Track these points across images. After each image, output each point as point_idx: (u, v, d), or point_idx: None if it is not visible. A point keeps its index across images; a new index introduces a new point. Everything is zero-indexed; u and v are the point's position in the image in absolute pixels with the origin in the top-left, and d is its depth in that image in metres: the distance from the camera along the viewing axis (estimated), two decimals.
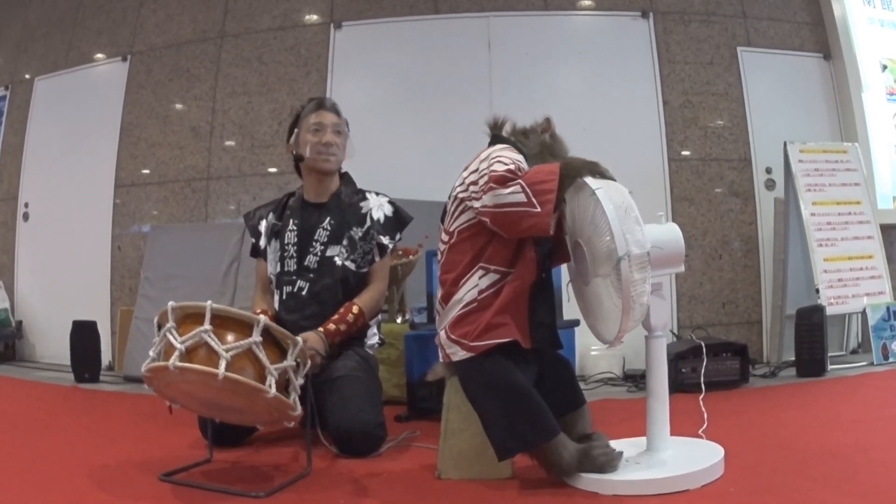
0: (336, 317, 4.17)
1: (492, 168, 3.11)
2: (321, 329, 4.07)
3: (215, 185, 7.96)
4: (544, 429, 3.05)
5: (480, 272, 3.24)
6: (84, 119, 8.67)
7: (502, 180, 3.03)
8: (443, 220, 3.45)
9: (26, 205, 8.92)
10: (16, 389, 6.62)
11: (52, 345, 8.31)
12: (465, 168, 3.37)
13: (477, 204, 3.15)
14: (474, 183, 3.20)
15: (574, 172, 3.12)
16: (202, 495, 3.15)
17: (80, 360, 6.88)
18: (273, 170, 7.78)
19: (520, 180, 3.02)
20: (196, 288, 6.59)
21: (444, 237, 3.40)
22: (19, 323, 8.79)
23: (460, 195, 3.30)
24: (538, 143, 3.50)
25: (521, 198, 3.00)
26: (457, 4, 7.78)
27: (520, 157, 3.26)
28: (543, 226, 3.02)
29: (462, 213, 3.30)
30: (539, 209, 2.99)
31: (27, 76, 9.24)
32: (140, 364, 3.19)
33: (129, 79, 8.50)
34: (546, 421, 3.07)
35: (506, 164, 3.11)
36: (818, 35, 7.98)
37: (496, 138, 3.53)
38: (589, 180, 3.08)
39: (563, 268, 3.58)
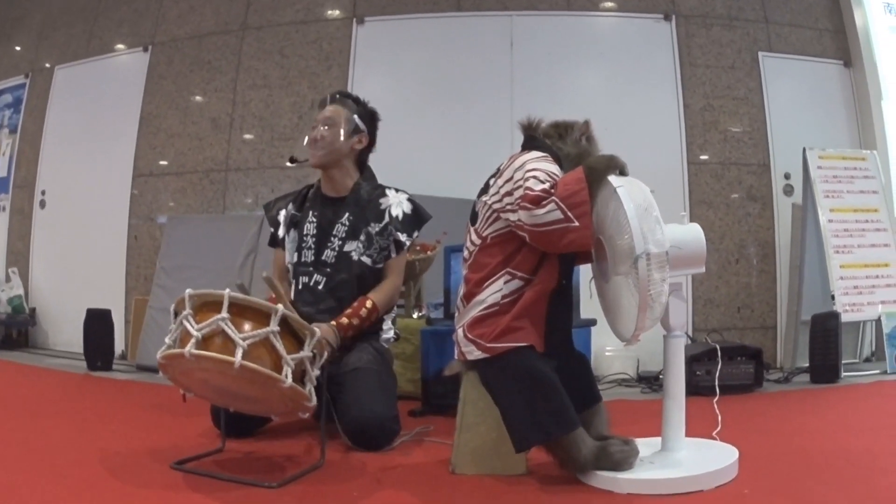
0: (349, 310, 4.15)
1: (527, 186, 3.08)
2: (334, 322, 4.06)
3: (234, 177, 7.97)
4: (565, 420, 3.06)
5: (506, 277, 3.24)
6: (103, 108, 8.71)
7: (537, 200, 3.01)
8: (473, 221, 3.45)
9: (43, 192, 8.96)
10: (28, 376, 6.65)
11: (66, 332, 8.35)
12: (498, 173, 3.36)
13: (513, 217, 3.15)
14: (509, 194, 3.18)
15: (599, 176, 3.11)
16: (214, 484, 3.15)
17: (94, 349, 6.90)
18: None
19: (554, 197, 3.01)
20: (211, 279, 6.54)
21: (476, 240, 3.39)
22: (33, 310, 8.82)
23: (494, 206, 3.28)
24: (575, 145, 3.49)
25: (558, 215, 2.99)
26: (480, 2, 7.77)
27: (555, 169, 3.24)
28: (585, 240, 3.04)
29: (495, 221, 3.30)
30: (577, 223, 2.99)
31: (47, 65, 9.28)
32: (153, 354, 3.20)
33: (149, 69, 8.53)
34: (567, 413, 3.07)
35: (541, 181, 3.09)
36: (839, 42, 7.97)
37: (530, 139, 3.52)
38: (611, 178, 3.08)
39: (584, 266, 3.57)
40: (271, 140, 7.91)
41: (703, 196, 7.41)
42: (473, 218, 3.44)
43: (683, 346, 3.32)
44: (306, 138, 4.40)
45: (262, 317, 3.11)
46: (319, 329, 3.52)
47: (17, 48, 9.76)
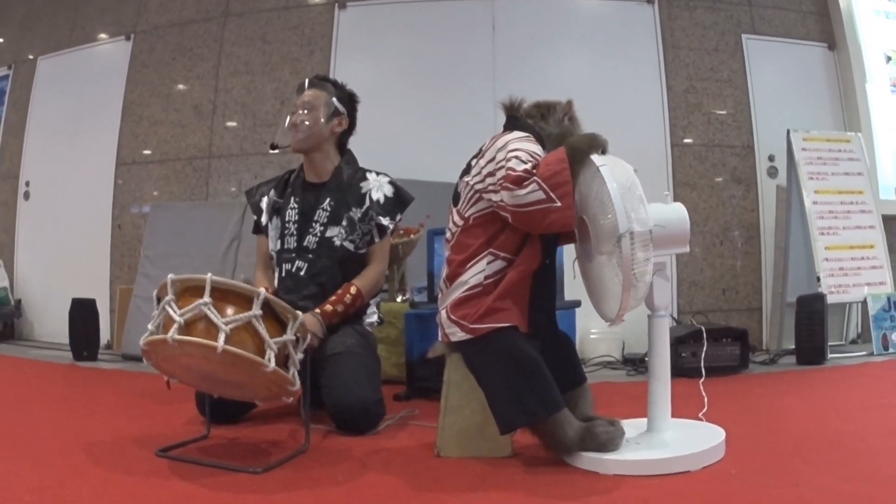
0: (334, 297, 4.14)
1: (509, 166, 3.06)
2: (318, 311, 4.06)
3: (217, 164, 7.96)
4: (550, 401, 3.04)
5: (489, 258, 3.22)
6: (86, 98, 8.68)
7: (519, 181, 2.99)
8: (455, 202, 3.43)
9: (27, 184, 8.92)
10: (14, 368, 6.63)
11: (51, 323, 8.31)
12: (480, 153, 3.35)
13: (495, 197, 3.13)
14: (491, 174, 3.16)
15: (581, 156, 3.07)
16: (199, 470, 3.14)
17: (79, 339, 6.89)
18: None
19: (535, 177, 2.98)
20: (196, 266, 6.45)
21: (458, 220, 3.36)
22: (18, 301, 8.80)
23: (476, 186, 3.26)
24: (557, 125, 3.47)
25: (540, 195, 2.97)
26: None
27: (537, 149, 3.21)
28: (567, 220, 3.01)
29: (477, 201, 3.27)
30: (559, 203, 2.96)
31: (30, 56, 9.23)
32: (138, 343, 3.16)
33: (132, 58, 8.51)
34: (552, 394, 3.06)
35: (523, 161, 3.06)
36: (823, 25, 7.98)
37: (512, 119, 3.50)
38: (594, 157, 3.06)
39: (568, 247, 3.57)
40: (254, 126, 7.91)
41: (687, 178, 7.42)
42: (455, 199, 3.42)
43: (668, 325, 3.31)
44: (286, 123, 4.38)
45: (244, 301, 3.08)
46: (304, 320, 3.51)
47: (1, 40, 9.71)
